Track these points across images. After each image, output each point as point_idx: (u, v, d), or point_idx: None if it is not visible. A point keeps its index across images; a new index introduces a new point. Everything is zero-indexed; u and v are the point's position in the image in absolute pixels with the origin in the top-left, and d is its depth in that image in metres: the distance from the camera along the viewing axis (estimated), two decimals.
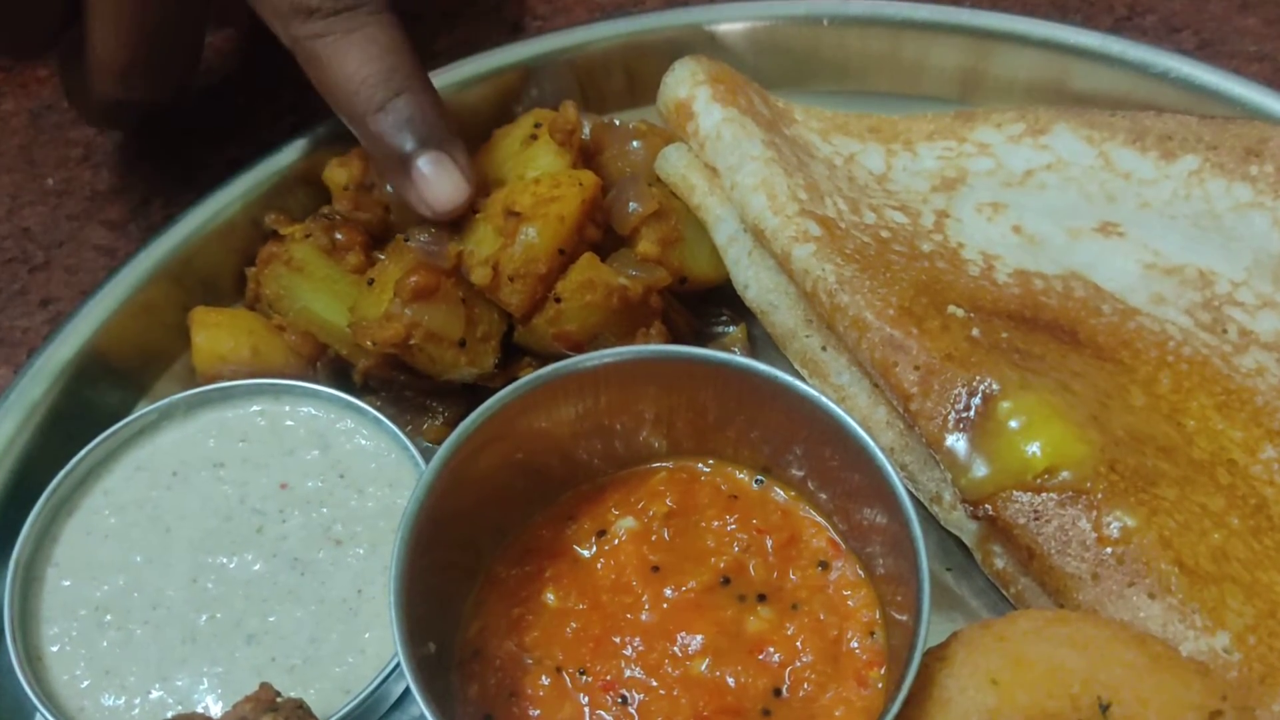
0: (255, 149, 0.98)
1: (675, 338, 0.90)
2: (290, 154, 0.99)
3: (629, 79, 1.09)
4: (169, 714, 0.71)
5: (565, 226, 0.86)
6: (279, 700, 0.68)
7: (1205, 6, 1.18)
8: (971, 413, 0.77)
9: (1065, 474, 0.75)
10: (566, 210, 0.86)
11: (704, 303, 0.95)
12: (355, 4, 0.86)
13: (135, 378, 0.93)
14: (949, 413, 0.78)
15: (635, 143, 0.98)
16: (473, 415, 0.73)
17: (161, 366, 0.94)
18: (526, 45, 1.10)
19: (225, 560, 0.80)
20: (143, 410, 0.86)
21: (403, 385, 0.90)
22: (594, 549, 0.80)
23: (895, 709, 0.63)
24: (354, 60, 0.86)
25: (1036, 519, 0.75)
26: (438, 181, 0.87)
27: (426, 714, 0.65)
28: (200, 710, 0.74)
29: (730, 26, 1.08)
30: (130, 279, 0.94)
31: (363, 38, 0.86)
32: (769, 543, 0.79)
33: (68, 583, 0.79)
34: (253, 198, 0.98)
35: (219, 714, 0.72)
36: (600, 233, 0.90)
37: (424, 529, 0.72)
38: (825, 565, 0.78)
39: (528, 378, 0.75)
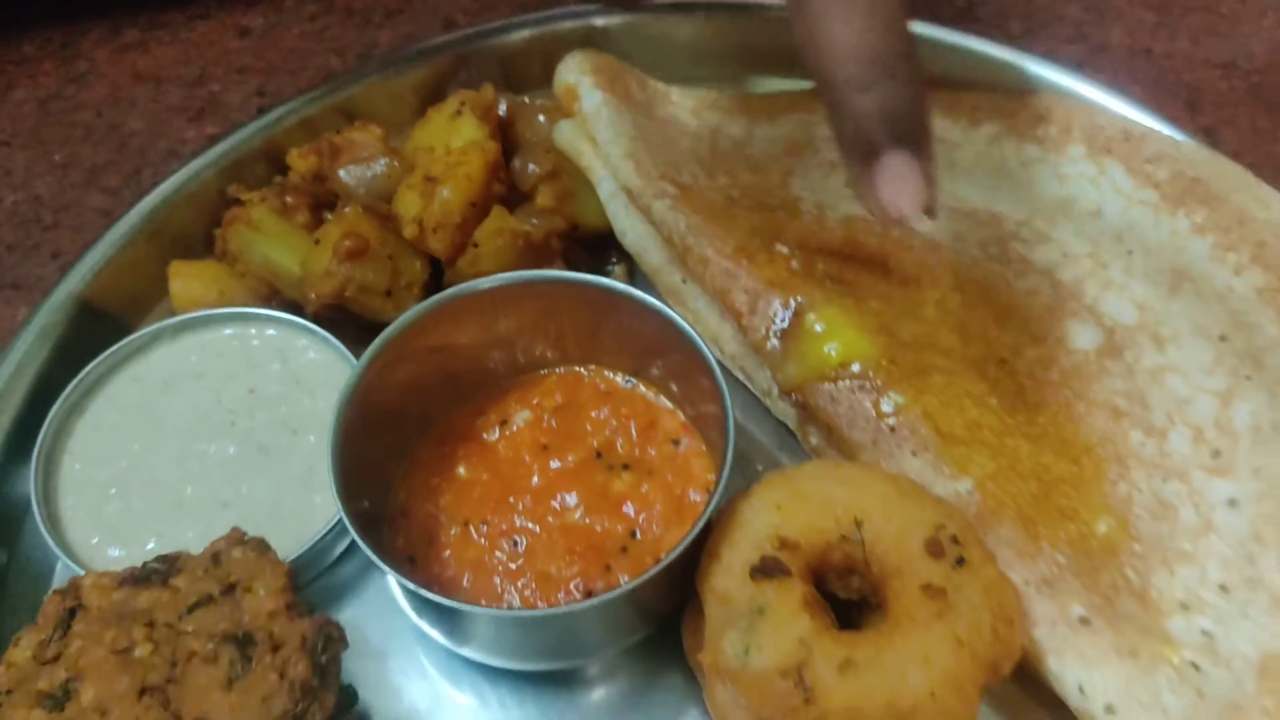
0: (226, 123, 1.18)
1: None
2: (252, 132, 1.19)
3: (544, 65, 1.26)
4: None
5: (473, 184, 1.06)
6: (246, 538, 0.89)
7: None
8: (785, 323, 0.99)
9: (855, 366, 0.96)
10: (473, 171, 1.06)
11: (598, 247, 1.16)
12: None
13: (126, 316, 1.12)
14: (769, 324, 0.99)
15: (542, 117, 1.18)
16: (394, 324, 0.94)
17: (147, 309, 1.13)
18: (457, 37, 1.31)
19: (205, 446, 1.00)
20: (137, 334, 1.06)
21: (345, 321, 1.10)
22: (497, 434, 1.00)
23: (700, 526, 0.83)
24: (855, 23, 0.75)
25: (834, 402, 0.97)
26: (900, 185, 0.78)
27: (361, 545, 0.84)
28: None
29: (624, 20, 1.28)
30: (120, 237, 1.13)
31: (870, 6, 0.76)
32: (633, 427, 0.99)
33: (79, 466, 0.99)
34: (220, 169, 1.17)
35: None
36: (506, 190, 1.10)
37: (355, 416, 0.90)
38: (677, 442, 0.99)
39: (437, 296, 0.95)
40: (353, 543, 0.99)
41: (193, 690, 0.80)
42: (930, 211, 0.79)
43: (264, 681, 0.80)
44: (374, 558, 0.82)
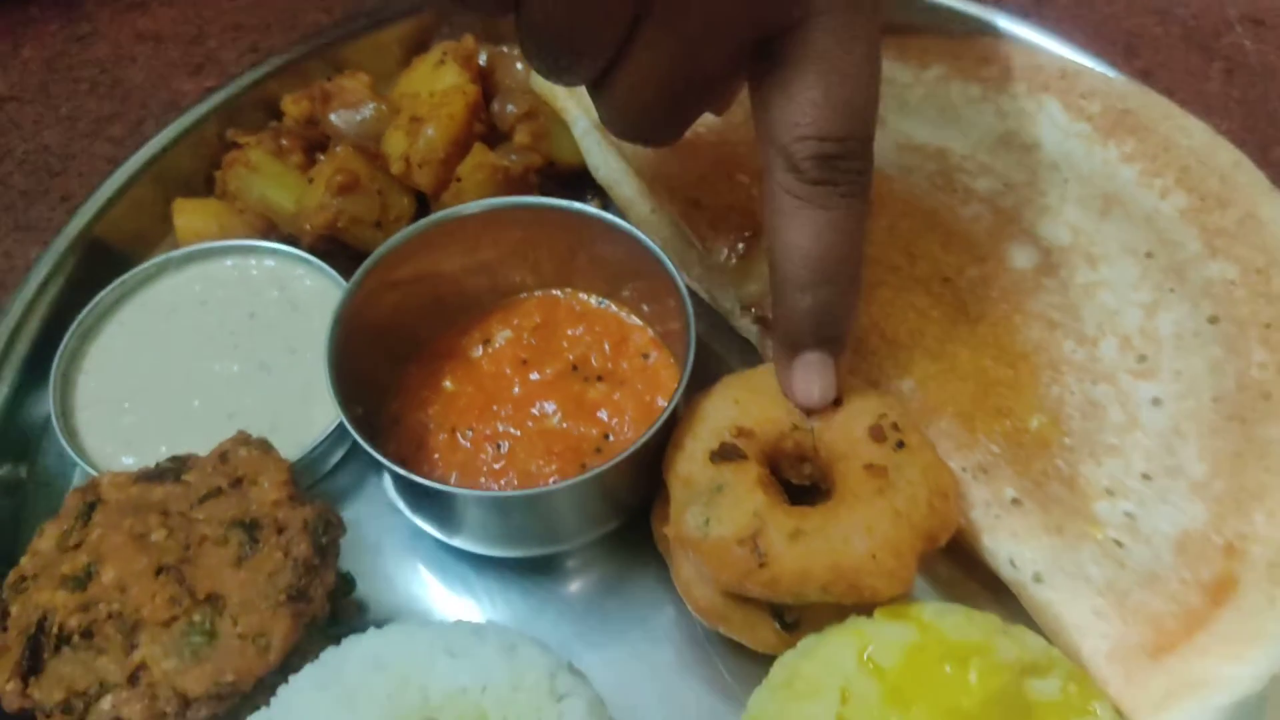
0: (223, 76, 1.26)
1: None
2: (248, 81, 1.27)
3: None
4: None
5: (455, 123, 1.14)
6: (251, 439, 0.97)
7: None
8: (744, 245, 1.07)
9: None
10: (455, 111, 1.14)
11: (572, 183, 1.24)
12: (834, 181, 0.81)
13: (133, 252, 1.20)
14: (730, 246, 1.08)
15: (519, 65, 1.26)
16: (384, 245, 1.02)
17: (152, 245, 1.21)
18: None
19: (210, 365, 1.08)
20: (144, 265, 1.14)
21: (338, 253, 1.18)
22: (480, 352, 1.08)
23: (664, 418, 0.91)
24: (809, 234, 0.82)
25: None
26: (812, 381, 0.88)
27: (359, 440, 0.91)
28: None
29: None
30: (125, 178, 1.21)
31: (827, 219, 0.82)
32: (606, 343, 1.07)
33: (94, 384, 1.07)
34: (219, 115, 1.25)
35: None
36: (486, 129, 1.19)
37: (348, 332, 0.97)
38: (646, 356, 1.07)
39: (424, 220, 1.04)
40: (348, 453, 1.08)
41: (205, 568, 0.88)
42: (836, 401, 0.90)
43: (270, 560, 0.88)
44: (371, 450, 0.91)
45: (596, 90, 0.83)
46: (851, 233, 0.84)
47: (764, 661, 0.88)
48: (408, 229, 1.02)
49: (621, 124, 0.85)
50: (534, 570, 1.02)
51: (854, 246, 0.85)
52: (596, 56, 0.78)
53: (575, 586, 1.02)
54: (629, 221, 1.16)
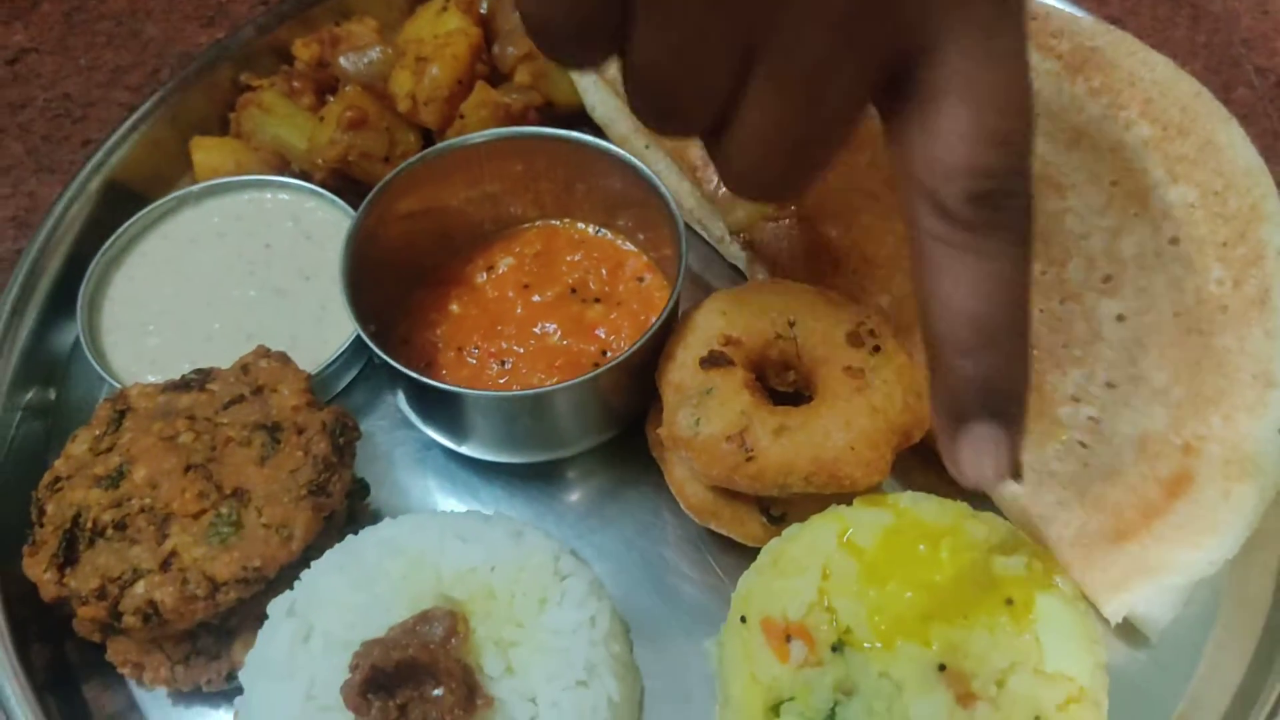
0: (234, 27, 1.32)
1: None
2: (260, 28, 1.33)
3: None
4: None
5: (459, 63, 1.20)
6: (270, 351, 1.03)
7: None
8: None
9: (792, 206, 1.11)
10: (459, 52, 1.21)
11: (570, 122, 1.29)
12: (993, 222, 0.69)
13: (151, 190, 1.25)
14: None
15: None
16: (391, 173, 1.07)
17: (170, 185, 1.26)
18: None
19: (229, 291, 1.14)
20: (164, 198, 1.19)
21: (348, 189, 1.24)
22: (484, 278, 1.14)
23: (656, 326, 0.97)
24: (968, 288, 0.70)
25: (776, 238, 1.11)
26: (984, 457, 0.74)
27: (372, 348, 0.97)
28: None
29: None
30: (143, 120, 1.26)
31: (989, 269, 0.69)
32: (603, 269, 1.14)
33: (119, 309, 1.13)
34: (233, 60, 1.31)
35: None
36: (488, 70, 1.25)
37: (360, 254, 1.02)
38: (641, 279, 1.13)
39: (426, 150, 1.10)
40: (359, 374, 1.14)
41: (231, 466, 0.95)
42: (1016, 477, 0.75)
43: (291, 458, 0.95)
44: (384, 356, 0.97)
45: (713, 144, 0.74)
46: (1018, 283, 0.71)
47: (752, 556, 0.94)
48: (416, 156, 1.08)
49: (742, 178, 0.75)
50: (537, 478, 1.08)
51: (1021, 300, 0.72)
52: (707, 106, 0.71)
53: (576, 493, 1.08)
54: None
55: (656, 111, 0.72)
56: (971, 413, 0.73)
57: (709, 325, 0.99)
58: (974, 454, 0.74)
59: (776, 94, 0.68)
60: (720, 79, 0.69)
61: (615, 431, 1.06)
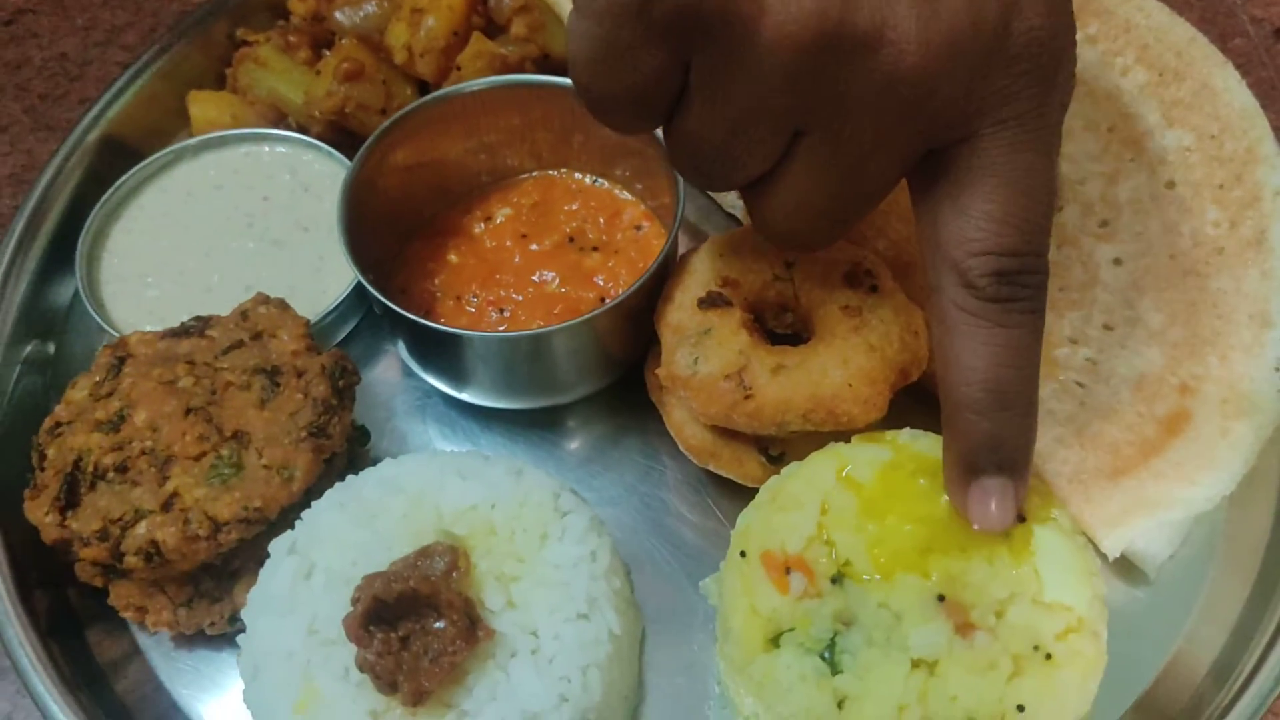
0: None
1: None
2: None
3: None
4: None
5: (455, 14, 1.20)
6: (269, 298, 1.04)
7: None
8: None
9: None
10: (454, 3, 1.20)
11: (567, 74, 1.30)
12: (1013, 297, 0.76)
13: (150, 144, 1.25)
14: None
15: None
16: (388, 120, 1.07)
17: (167, 138, 1.26)
18: None
19: (227, 243, 1.14)
20: (161, 152, 1.19)
21: (345, 142, 1.23)
22: (482, 228, 1.15)
23: (653, 269, 0.98)
24: (986, 355, 0.77)
25: None
26: (985, 505, 0.81)
27: (372, 293, 0.97)
28: None
29: None
30: (140, 76, 1.26)
31: (1005, 338, 0.76)
32: (601, 218, 1.14)
33: (117, 262, 1.13)
34: (229, 15, 1.31)
35: None
36: (484, 23, 1.25)
37: (357, 205, 1.02)
38: (639, 228, 1.13)
39: (423, 98, 1.10)
40: (358, 325, 1.14)
41: (231, 410, 0.95)
42: (1021, 521, 0.83)
43: (291, 401, 0.95)
44: (383, 300, 0.97)
45: (752, 196, 0.81)
46: (1029, 352, 0.78)
47: (751, 498, 0.94)
48: (413, 103, 1.08)
49: (777, 233, 0.83)
50: (536, 425, 1.08)
51: (1032, 367, 0.79)
52: (753, 170, 0.77)
53: (575, 440, 1.09)
54: None
55: (697, 172, 0.79)
56: (982, 467, 0.79)
57: (707, 267, 0.99)
58: (982, 503, 0.80)
59: (819, 171, 0.75)
60: (764, 156, 0.76)
61: (613, 378, 1.06)
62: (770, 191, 0.79)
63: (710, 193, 1.21)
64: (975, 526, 0.81)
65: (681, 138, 0.77)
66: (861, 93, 0.70)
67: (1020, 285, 0.76)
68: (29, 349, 1.15)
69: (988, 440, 0.79)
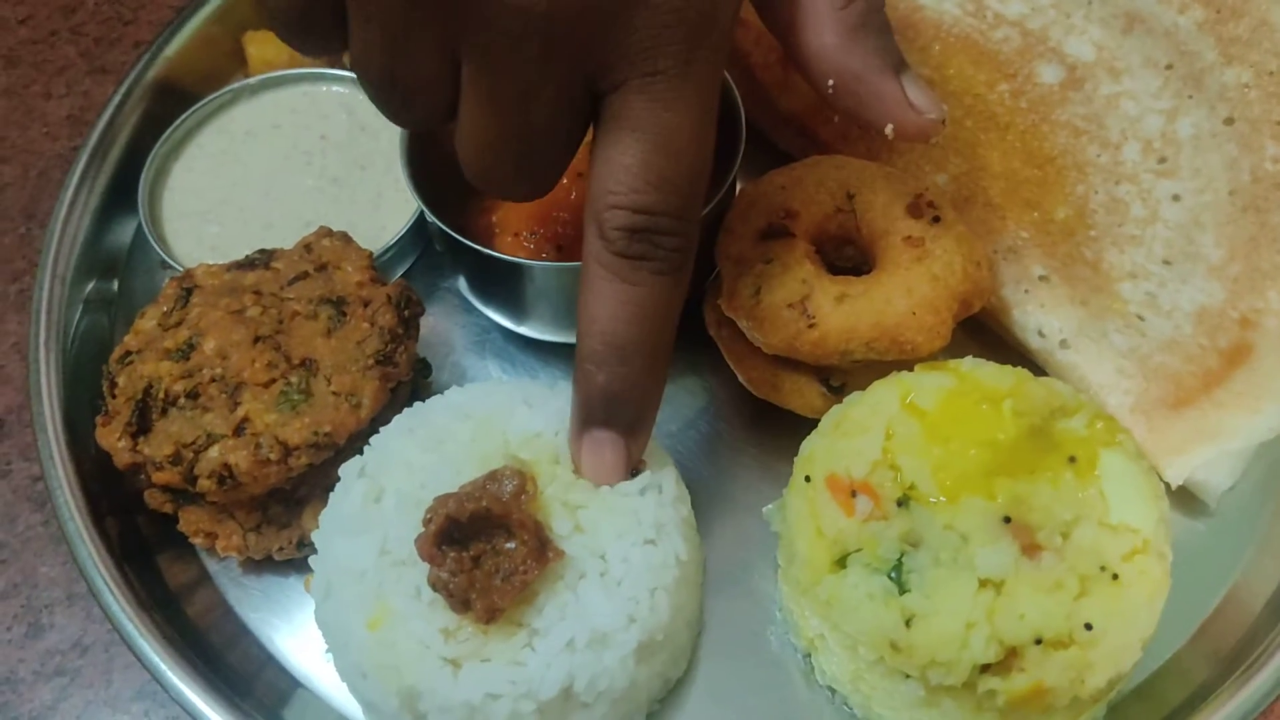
0: None
1: None
2: None
3: None
4: None
5: None
6: (332, 231, 1.05)
7: None
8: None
9: None
10: None
11: None
12: (643, 255, 0.77)
13: (207, 86, 1.25)
14: (767, 59, 1.15)
15: None
16: None
17: (224, 79, 1.26)
18: None
19: (286, 179, 1.15)
20: (220, 91, 1.20)
21: None
22: None
23: (716, 199, 0.98)
24: (608, 308, 0.78)
25: (830, 122, 1.12)
26: (598, 460, 0.84)
27: (437, 224, 0.98)
28: None
29: None
30: (195, 18, 1.27)
31: (630, 295, 0.77)
32: None
33: (179, 199, 1.14)
34: None
35: None
36: None
37: (417, 138, 1.06)
38: None
39: None
40: (415, 263, 1.15)
41: (298, 338, 0.96)
42: (630, 478, 0.86)
43: (358, 330, 0.96)
44: (444, 229, 0.98)
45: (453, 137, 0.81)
46: (656, 313, 0.79)
47: (809, 432, 0.94)
48: None
49: (473, 175, 0.82)
50: None
51: (657, 328, 0.80)
52: (427, 103, 0.76)
53: None
54: None
55: (379, 101, 0.77)
56: (596, 419, 0.82)
57: (768, 199, 0.99)
58: (594, 454, 0.84)
59: (481, 105, 0.74)
60: (430, 80, 0.74)
61: None
62: (456, 128, 0.79)
63: (756, 124, 1.21)
64: (586, 477, 0.85)
65: (354, 64, 0.76)
66: (501, 24, 0.69)
67: (653, 245, 0.76)
68: (91, 287, 1.16)
69: (601, 393, 0.81)
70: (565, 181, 1.12)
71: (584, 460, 0.85)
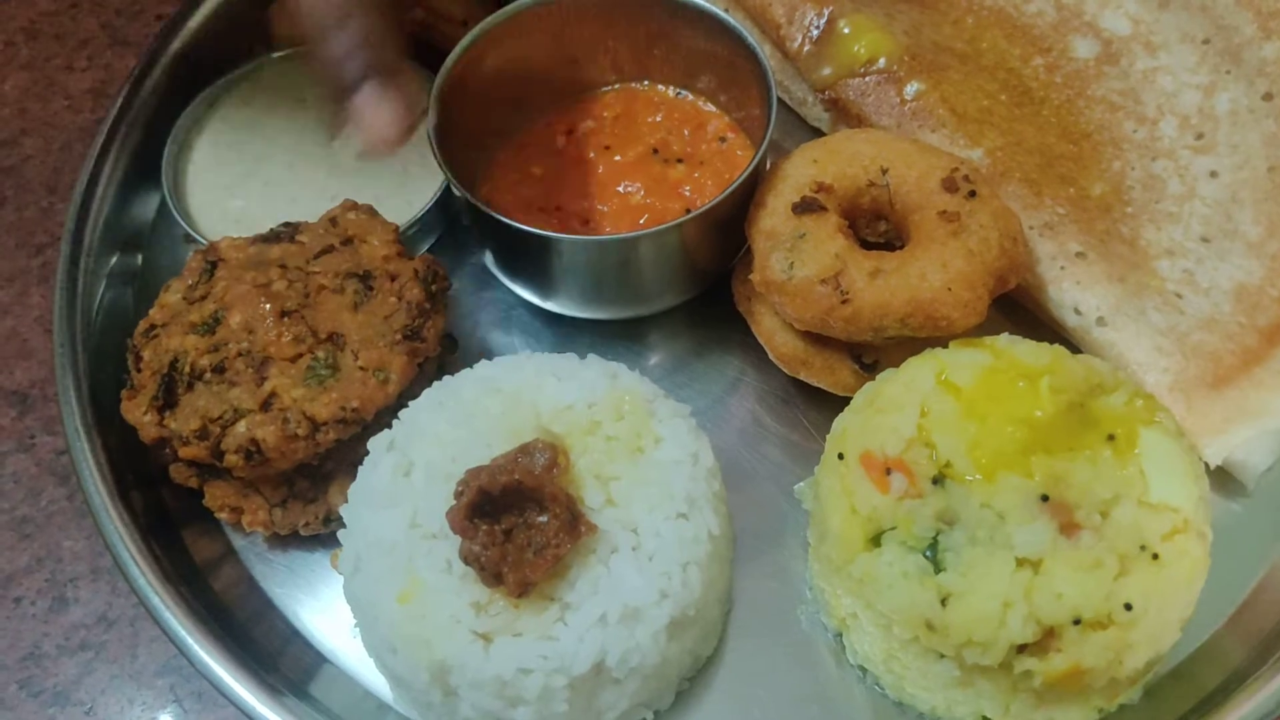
0: None
1: None
2: None
3: None
4: None
5: None
6: (358, 204, 1.04)
7: None
8: (819, 30, 1.12)
9: (880, 62, 1.09)
10: None
11: None
12: None
13: (228, 58, 1.23)
14: (805, 33, 1.12)
15: None
16: (472, 32, 1.07)
17: (247, 52, 1.23)
18: None
19: (311, 153, 1.14)
20: (244, 66, 1.19)
21: (427, 56, 1.22)
22: (565, 141, 1.14)
23: (744, 176, 0.96)
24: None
25: (862, 95, 1.10)
26: (376, 113, 0.84)
27: (463, 194, 0.97)
28: None
29: None
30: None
31: None
32: (685, 130, 1.13)
33: (202, 173, 1.13)
34: None
35: None
36: None
37: (443, 114, 1.04)
38: (724, 139, 1.12)
39: (505, 8, 1.09)
40: (440, 238, 1.14)
41: (325, 313, 0.95)
42: (408, 132, 0.86)
43: (385, 304, 0.95)
44: (474, 201, 0.97)
45: None
46: None
47: (840, 410, 0.93)
48: (496, 14, 1.07)
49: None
50: (621, 337, 1.08)
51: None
52: None
53: (660, 353, 1.08)
54: None
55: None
56: (354, 79, 0.84)
57: (800, 173, 0.98)
58: (367, 115, 0.85)
59: None
60: None
61: (698, 290, 1.06)
62: None
63: (788, 98, 1.19)
64: (369, 143, 0.87)
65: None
66: None
67: None
68: (115, 260, 1.15)
69: (348, 52, 0.85)
70: (591, 155, 1.12)
71: (365, 123, 0.86)
